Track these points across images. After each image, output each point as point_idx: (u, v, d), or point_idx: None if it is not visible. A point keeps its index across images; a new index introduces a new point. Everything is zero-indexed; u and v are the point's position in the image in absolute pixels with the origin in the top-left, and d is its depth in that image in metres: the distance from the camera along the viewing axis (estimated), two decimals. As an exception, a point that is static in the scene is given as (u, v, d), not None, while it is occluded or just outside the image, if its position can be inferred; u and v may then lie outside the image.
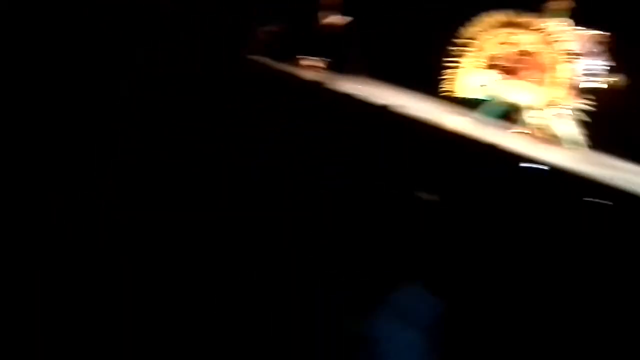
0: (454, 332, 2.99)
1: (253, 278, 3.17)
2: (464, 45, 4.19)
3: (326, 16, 5.01)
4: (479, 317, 3.05)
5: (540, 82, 3.95)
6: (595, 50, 3.71)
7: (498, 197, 3.39)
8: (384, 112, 4.01)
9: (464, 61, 4.19)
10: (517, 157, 3.53)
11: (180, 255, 3.15)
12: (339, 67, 4.87)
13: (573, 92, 3.82)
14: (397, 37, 4.65)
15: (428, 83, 4.31)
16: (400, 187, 3.59)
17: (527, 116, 3.98)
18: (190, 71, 4.15)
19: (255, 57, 4.81)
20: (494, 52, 4.10)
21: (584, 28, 3.74)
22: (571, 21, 3.79)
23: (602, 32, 3.69)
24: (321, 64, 4.86)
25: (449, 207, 3.40)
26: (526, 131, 3.96)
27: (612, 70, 3.68)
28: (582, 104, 3.77)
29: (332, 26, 4.98)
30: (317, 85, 4.45)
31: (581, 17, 3.73)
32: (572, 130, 3.82)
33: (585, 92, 3.78)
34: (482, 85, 4.12)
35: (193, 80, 4.08)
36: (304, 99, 4.25)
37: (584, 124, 3.80)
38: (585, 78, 3.78)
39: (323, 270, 3.25)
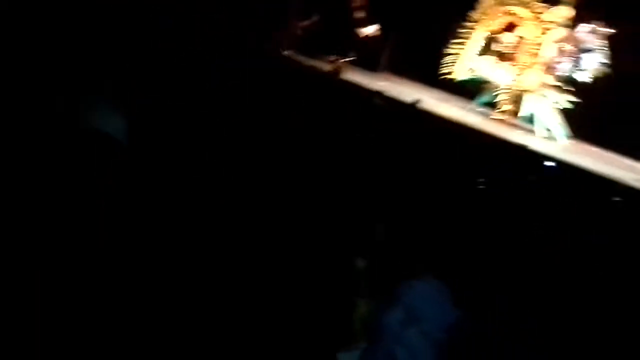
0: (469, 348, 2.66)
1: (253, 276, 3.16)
2: (468, 29, 4.15)
3: (359, 20, 4.89)
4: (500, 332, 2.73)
5: (528, 68, 3.94)
6: (593, 43, 3.71)
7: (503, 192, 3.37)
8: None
9: (465, 45, 4.16)
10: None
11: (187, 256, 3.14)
12: (367, 65, 4.85)
13: (558, 80, 3.84)
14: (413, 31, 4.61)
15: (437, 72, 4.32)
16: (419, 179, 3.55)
17: (502, 98, 4.02)
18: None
19: (287, 52, 4.69)
20: (493, 36, 4.06)
21: (587, 21, 3.73)
22: (573, 11, 3.77)
23: (603, 26, 3.69)
24: (347, 62, 4.76)
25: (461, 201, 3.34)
26: (501, 117, 3.99)
27: (608, 65, 3.70)
28: (565, 93, 3.81)
29: (367, 36, 4.88)
30: (347, 85, 4.37)
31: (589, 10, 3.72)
32: (550, 118, 3.86)
33: (572, 83, 3.80)
34: (472, 69, 4.10)
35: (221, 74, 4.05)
36: (328, 95, 4.17)
37: (564, 113, 3.85)
38: (575, 70, 3.78)
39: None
